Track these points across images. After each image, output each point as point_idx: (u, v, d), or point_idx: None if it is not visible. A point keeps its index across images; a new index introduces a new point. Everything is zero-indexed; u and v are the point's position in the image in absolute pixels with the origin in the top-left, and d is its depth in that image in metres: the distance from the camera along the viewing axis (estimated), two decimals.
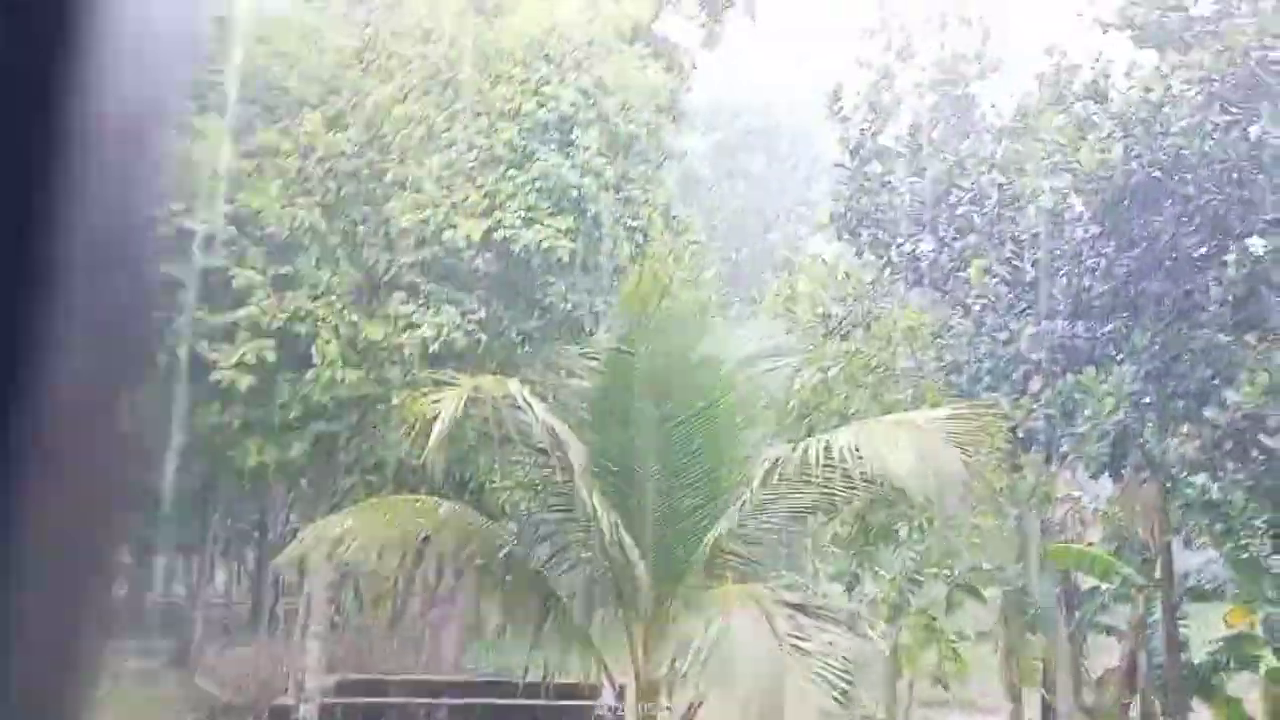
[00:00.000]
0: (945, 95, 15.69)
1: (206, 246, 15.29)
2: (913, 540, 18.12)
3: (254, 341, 15.21)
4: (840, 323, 16.06)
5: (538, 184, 15.86)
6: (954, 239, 14.07)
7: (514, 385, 9.77)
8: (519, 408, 9.81)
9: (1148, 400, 12.39)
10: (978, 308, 14.08)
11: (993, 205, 13.68)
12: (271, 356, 15.09)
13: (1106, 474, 13.75)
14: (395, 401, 14.86)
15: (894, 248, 14.68)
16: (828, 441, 9.92)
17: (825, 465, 10.02)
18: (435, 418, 9.55)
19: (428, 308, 15.97)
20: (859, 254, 14.88)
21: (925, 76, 27.98)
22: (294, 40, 16.69)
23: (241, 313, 15.24)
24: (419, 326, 15.75)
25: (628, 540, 10.31)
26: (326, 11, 17.69)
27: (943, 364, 14.69)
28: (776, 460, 10.22)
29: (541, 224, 15.72)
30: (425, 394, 10.53)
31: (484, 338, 15.97)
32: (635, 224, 17.42)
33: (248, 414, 15.50)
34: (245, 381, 14.95)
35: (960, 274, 14.10)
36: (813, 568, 20.83)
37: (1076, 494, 19.81)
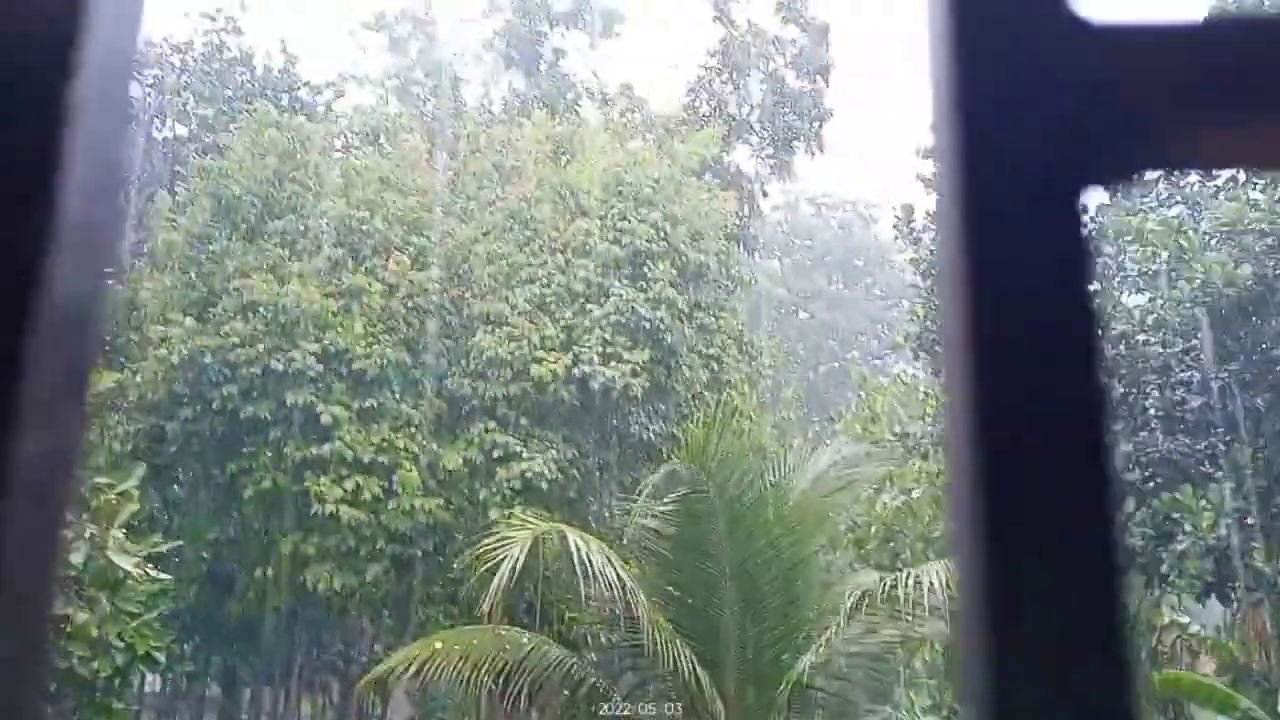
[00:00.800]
0: None
1: (295, 384, 15.82)
2: None
3: (338, 473, 15.52)
4: (920, 442, 15.73)
5: (613, 319, 16.16)
6: None
7: (573, 535, 9.86)
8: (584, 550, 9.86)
9: (1251, 520, 11.78)
10: None
11: None
12: (354, 487, 15.36)
13: (1214, 597, 12.99)
14: (474, 534, 14.93)
15: None
16: (918, 575, 9.63)
17: (915, 601, 9.72)
18: (503, 560, 9.62)
19: (512, 439, 16.18)
20: (936, 372, 14.67)
21: None
22: (377, 187, 17.50)
23: (326, 446, 15.60)
24: (503, 459, 15.94)
25: (705, 678, 10.03)
26: (409, 158, 18.59)
27: None
28: (864, 594, 9.92)
29: (620, 360, 15.95)
30: (498, 534, 10.63)
31: (566, 468, 16.07)
32: (710, 351, 17.52)
33: (324, 541, 15.71)
34: (329, 510, 15.21)
35: None
36: (906, 700, 19.88)
37: (1184, 620, 18.72)
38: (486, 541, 10.47)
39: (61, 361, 0.62)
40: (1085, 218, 0.60)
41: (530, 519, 11.35)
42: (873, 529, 16.22)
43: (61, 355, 0.61)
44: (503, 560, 9.63)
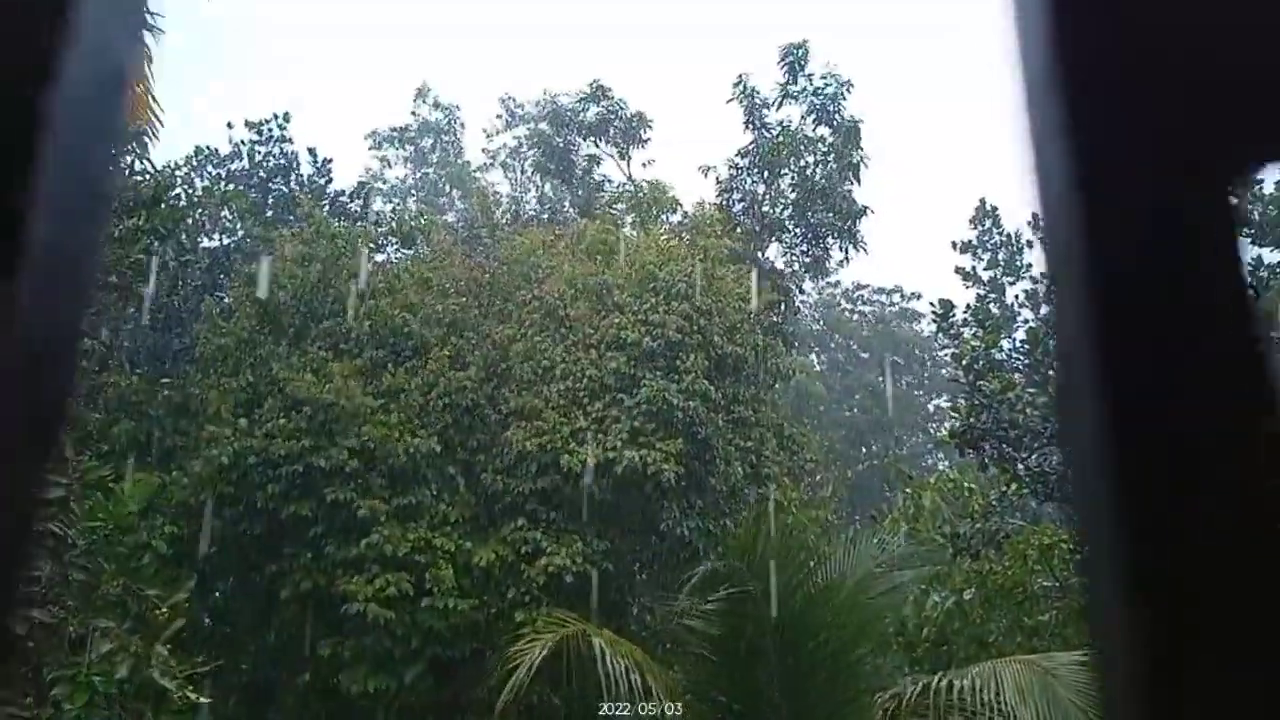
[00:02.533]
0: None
1: (334, 481, 15.87)
2: None
3: (374, 571, 15.43)
4: (969, 541, 15.37)
5: (644, 408, 16.15)
6: None
7: (597, 641, 9.69)
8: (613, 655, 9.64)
9: None
10: None
11: None
12: (390, 587, 15.24)
13: None
14: (504, 636, 14.70)
15: (1019, 462, 14.19)
16: (950, 680, 9.33)
17: (960, 709, 9.38)
18: (525, 661, 9.45)
19: (545, 535, 16.05)
20: (982, 468, 14.41)
21: (1037, 287, 28.00)
22: (417, 289, 17.82)
23: (364, 543, 15.55)
24: (537, 556, 15.79)
25: None
26: (447, 260, 18.96)
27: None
28: (899, 699, 9.60)
29: (652, 448, 15.86)
30: (526, 634, 10.45)
31: (598, 562, 15.85)
32: (747, 444, 17.38)
33: (360, 643, 15.53)
34: (365, 611, 15.06)
35: None
36: None
37: None
38: (515, 647, 10.27)
39: (23, 400, 0.56)
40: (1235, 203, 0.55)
41: (559, 619, 11.13)
42: (924, 632, 15.76)
43: (23, 394, 0.56)
44: (526, 663, 9.43)
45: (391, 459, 16.03)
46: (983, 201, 31.35)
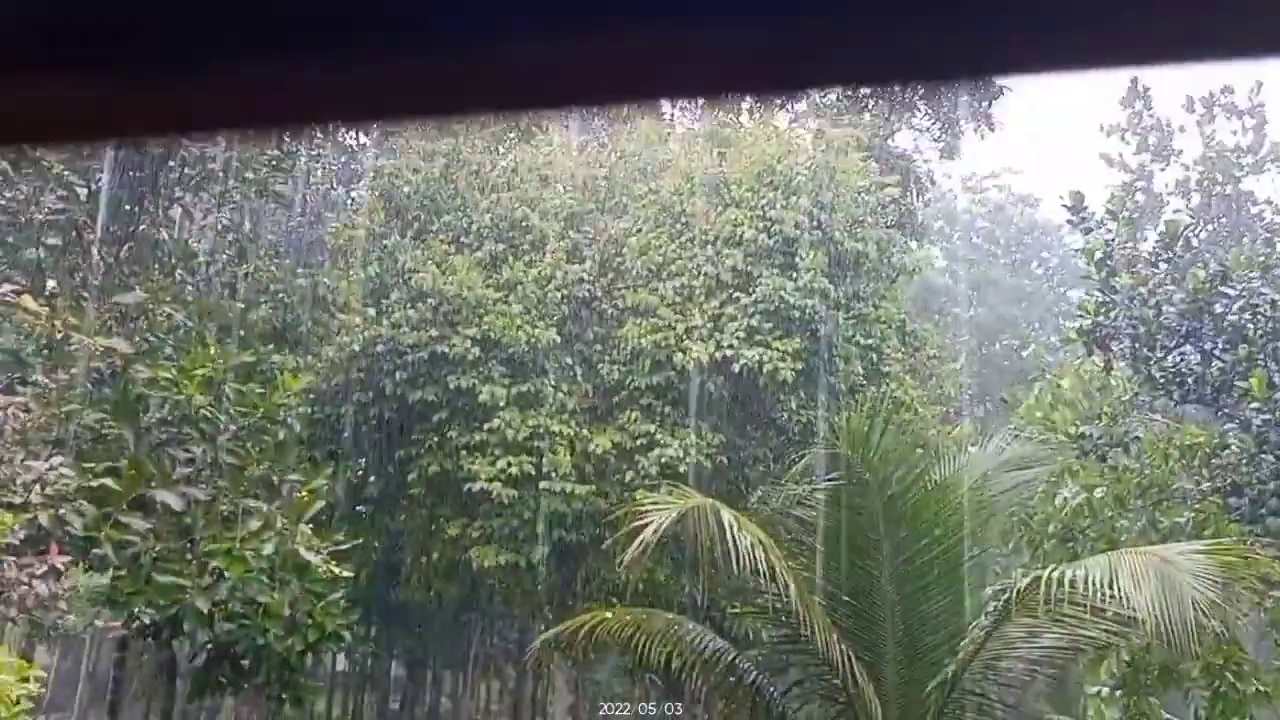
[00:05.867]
0: (1212, 194, 14.55)
1: (457, 368, 16.44)
2: (1200, 684, 16.11)
3: (495, 455, 16.03)
4: (1096, 443, 14.92)
5: (760, 306, 16.04)
6: (1223, 350, 12.86)
7: (726, 514, 9.64)
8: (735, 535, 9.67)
9: None
10: (1259, 423, 12.71)
11: (1269, 311, 12.44)
12: (511, 467, 15.84)
13: None
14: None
15: (1154, 361, 13.59)
16: (1063, 573, 9.14)
17: (1071, 601, 9.25)
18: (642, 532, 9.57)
19: (660, 427, 16.33)
20: (1105, 369, 13.87)
21: (1189, 175, 26.30)
22: (537, 184, 17.95)
23: (486, 428, 16.13)
24: (651, 447, 16.11)
25: (863, 677, 9.83)
26: (566, 155, 18.97)
27: (1219, 486, 13.29)
28: (1010, 594, 9.50)
29: (769, 346, 15.81)
30: (640, 509, 10.58)
31: (713, 455, 16.07)
32: (868, 342, 17.14)
33: (486, 524, 16.26)
34: (496, 491, 15.72)
35: (1236, 386, 12.82)
36: (1093, 712, 18.90)
37: None
38: (635, 512, 10.37)
39: None
40: None
41: (682, 493, 11.28)
42: (1049, 527, 15.53)
43: None
44: (657, 526, 9.54)
45: (512, 348, 16.45)
46: (1134, 81, 29.30)
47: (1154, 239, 14.69)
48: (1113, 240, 13.38)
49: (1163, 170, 28.71)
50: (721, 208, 17.28)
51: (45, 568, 7.83)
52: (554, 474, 16.10)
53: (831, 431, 12.27)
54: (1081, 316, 13.70)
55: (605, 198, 18.01)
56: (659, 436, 16.30)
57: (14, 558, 7.68)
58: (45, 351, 11.37)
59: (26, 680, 6.07)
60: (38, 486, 8.26)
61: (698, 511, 10.06)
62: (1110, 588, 8.93)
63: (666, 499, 10.88)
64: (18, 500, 7.70)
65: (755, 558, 9.58)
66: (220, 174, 14.08)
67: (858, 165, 18.02)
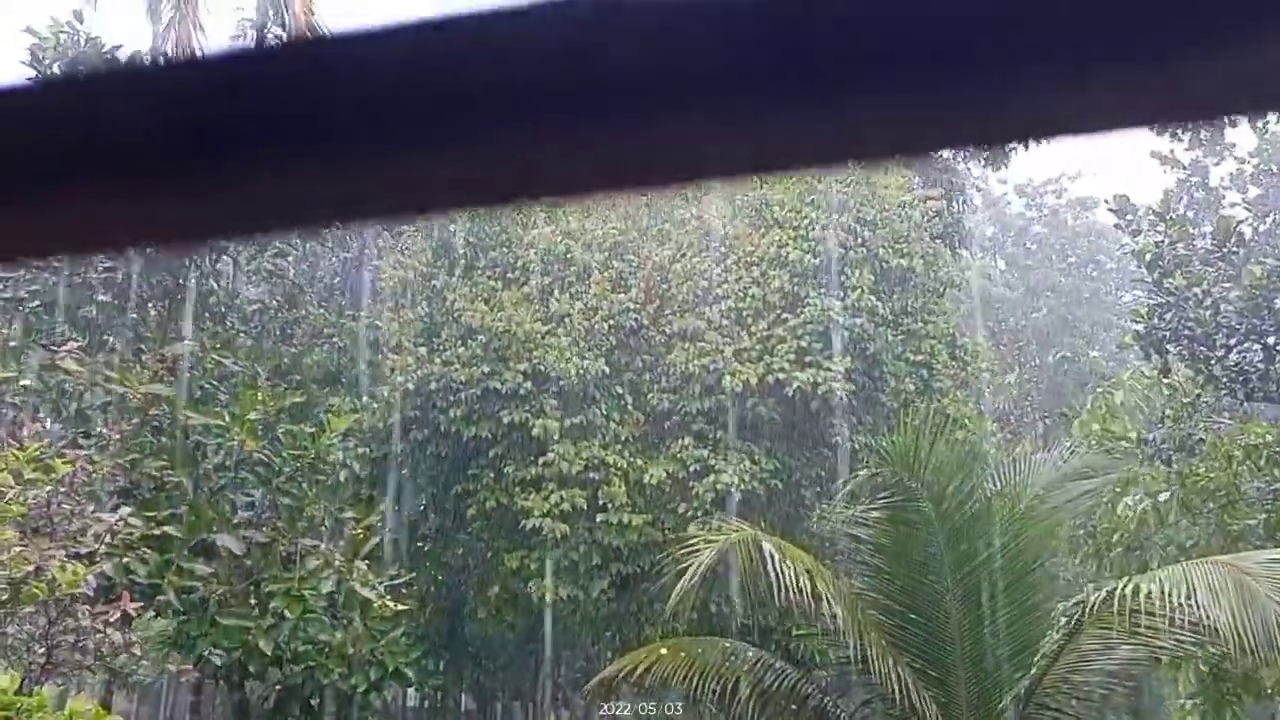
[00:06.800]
0: (1269, 187, 14.23)
1: (510, 403, 16.57)
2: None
3: (550, 489, 16.10)
4: (1159, 447, 14.56)
5: (809, 327, 15.97)
6: None
7: (768, 545, 9.69)
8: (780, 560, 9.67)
9: None
10: None
11: None
12: (564, 502, 15.88)
13: None
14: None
15: (1215, 361, 13.26)
16: (1137, 586, 8.93)
17: (1147, 612, 9.03)
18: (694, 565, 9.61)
19: (713, 453, 16.28)
20: (1164, 372, 13.55)
21: (1244, 168, 25.67)
22: (578, 216, 18.13)
23: (541, 461, 16.21)
24: (705, 474, 16.06)
25: (926, 696, 9.67)
26: None
27: None
28: (1084, 607, 9.30)
29: (819, 367, 15.72)
30: (686, 546, 10.64)
31: (766, 480, 15.98)
32: (918, 358, 16.97)
33: (545, 556, 16.30)
34: (550, 526, 15.76)
35: None
36: None
37: None
38: (681, 551, 10.46)
39: None
40: None
41: (730, 526, 11.27)
42: (1115, 536, 15.18)
43: None
44: (697, 567, 9.61)
45: (562, 380, 16.55)
46: None
47: (1209, 236, 14.36)
48: (1162, 241, 13.12)
49: (1216, 165, 28.09)
50: (764, 229, 17.29)
51: (118, 615, 8.00)
52: (609, 505, 16.11)
53: (879, 450, 12.18)
54: (1137, 321, 13.43)
55: (647, 225, 18.11)
56: (713, 462, 16.25)
57: (88, 606, 7.87)
58: (107, 404, 11.70)
59: None
60: (107, 536, 8.48)
61: (740, 546, 10.13)
62: (1188, 600, 8.73)
63: (709, 536, 10.91)
64: (84, 550, 7.90)
65: (800, 585, 9.57)
66: None
67: (899, 180, 17.92)
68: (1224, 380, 13.56)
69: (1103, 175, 55.84)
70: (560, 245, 17.73)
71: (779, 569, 9.60)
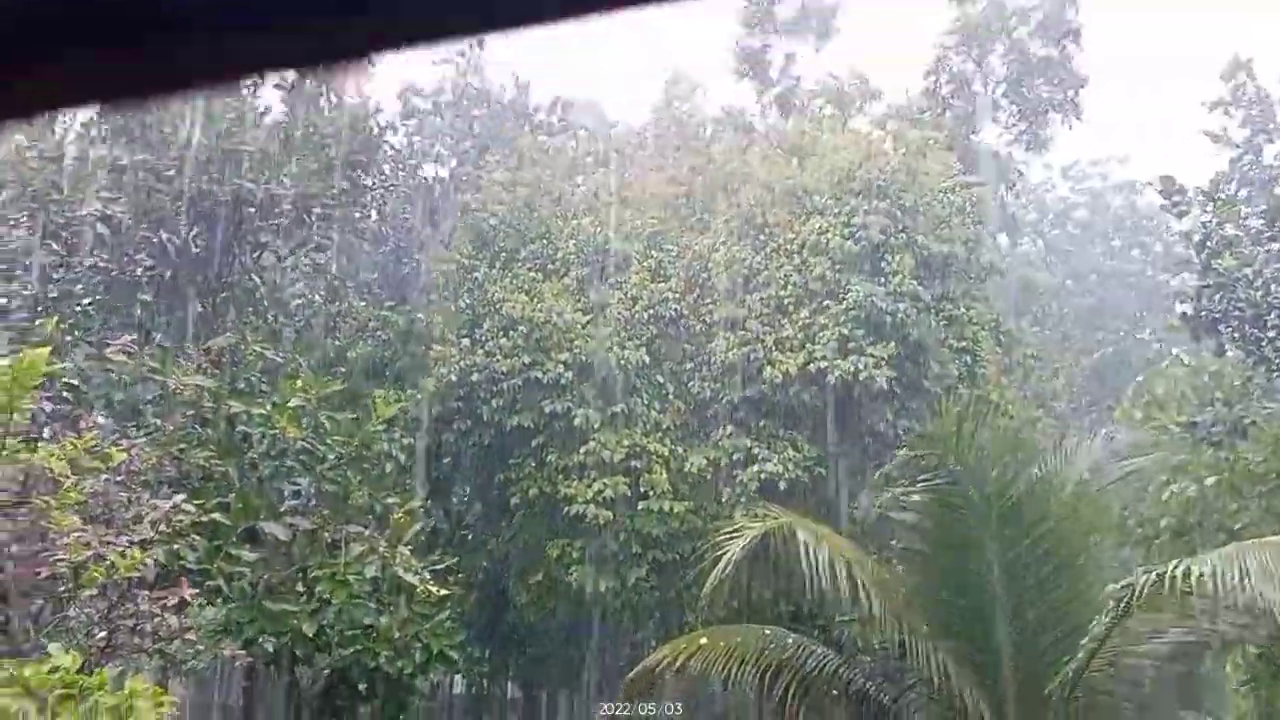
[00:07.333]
0: None
1: (551, 394, 16.67)
2: None
3: (592, 477, 16.16)
4: (1210, 430, 14.31)
5: (851, 314, 15.87)
6: None
7: (802, 533, 9.67)
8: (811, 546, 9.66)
9: None
10: None
11: None
12: (606, 489, 15.94)
13: None
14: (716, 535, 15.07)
15: (1266, 343, 13.00)
16: (1187, 568, 8.80)
17: (1200, 595, 8.90)
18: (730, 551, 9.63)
19: (756, 441, 16.26)
20: (1219, 353, 13.31)
21: None
22: (617, 206, 18.18)
23: (583, 451, 16.28)
24: (749, 462, 16.05)
25: (968, 679, 9.62)
26: (644, 175, 19.15)
27: None
28: (1133, 590, 9.18)
29: (862, 353, 15.64)
30: (725, 532, 10.65)
31: (810, 467, 15.94)
32: (961, 344, 16.81)
33: (587, 544, 16.37)
34: (592, 514, 15.83)
35: None
36: (1235, 706, 18.02)
37: None
38: (720, 537, 10.47)
39: None
40: None
41: (768, 513, 11.25)
42: (1162, 522, 14.95)
43: None
44: (734, 553, 9.62)
45: (603, 370, 16.62)
46: (1236, 54, 28.10)
47: (1262, 215, 14.05)
48: (1210, 222, 12.87)
49: (1269, 143, 27.46)
50: (804, 217, 17.21)
51: (175, 600, 8.17)
52: (650, 493, 16.15)
53: (923, 436, 12.10)
54: (1184, 302, 13.20)
55: (686, 215, 18.10)
56: (755, 451, 16.23)
57: (146, 592, 8.04)
58: (159, 397, 11.95)
59: (161, 705, 6.36)
60: (162, 523, 8.66)
61: (778, 532, 10.11)
62: (1241, 582, 8.59)
63: (747, 524, 10.91)
64: (139, 538, 8.08)
65: (837, 571, 9.55)
66: (299, 214, 14.63)
67: (939, 166, 17.75)
68: (1276, 362, 13.29)
69: (1154, 157, 54.70)
70: (599, 236, 17.79)
71: (814, 555, 9.60)
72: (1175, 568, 8.89)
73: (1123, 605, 9.39)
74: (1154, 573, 9.23)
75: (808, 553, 9.54)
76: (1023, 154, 26.82)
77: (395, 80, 24.82)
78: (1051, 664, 10.26)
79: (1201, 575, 8.79)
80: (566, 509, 16.13)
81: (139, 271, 13.92)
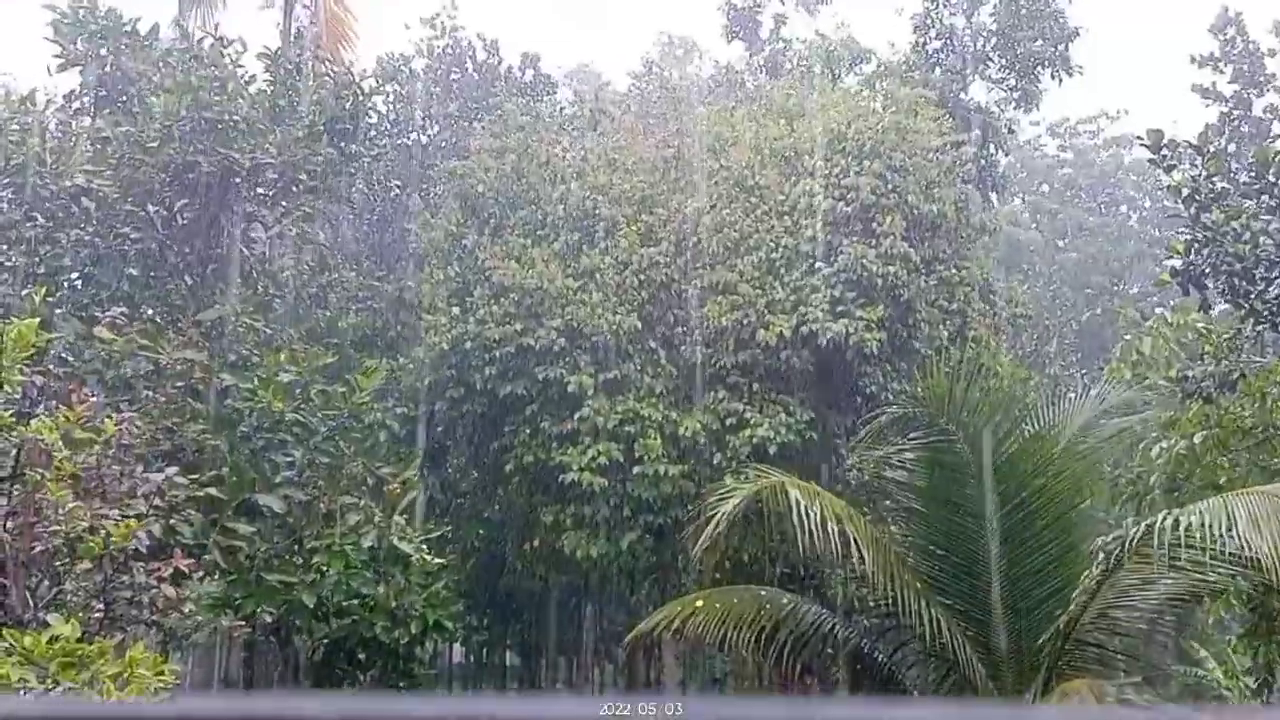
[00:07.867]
0: None
1: (544, 360, 16.67)
2: None
3: (586, 443, 16.19)
4: (1200, 384, 14.36)
5: (843, 276, 15.85)
6: None
7: (794, 492, 9.70)
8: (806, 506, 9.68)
9: None
10: None
11: None
12: (601, 455, 15.98)
13: None
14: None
15: (1254, 295, 13.01)
16: (1177, 519, 8.88)
17: (1188, 546, 8.99)
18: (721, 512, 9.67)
19: (749, 406, 16.29)
20: (1204, 309, 13.32)
21: None
22: (606, 170, 18.06)
23: (576, 418, 16.30)
24: (741, 427, 16.08)
25: (962, 635, 9.73)
26: (633, 139, 19.01)
27: None
28: (1121, 541, 9.28)
29: (853, 316, 15.64)
30: (717, 492, 10.67)
31: (803, 431, 15.98)
32: (952, 306, 16.82)
33: (580, 511, 16.44)
34: (588, 480, 15.88)
35: None
36: (1230, 656, 18.28)
37: None
38: (713, 498, 10.50)
39: None
40: None
41: (760, 471, 11.28)
42: (1153, 478, 15.07)
43: None
44: (724, 513, 9.66)
45: (595, 336, 16.60)
46: (1225, 8, 28.01)
47: (1249, 168, 13.99)
48: (1199, 175, 12.84)
49: (1259, 97, 27.43)
50: (794, 179, 17.14)
51: (171, 570, 8.21)
52: (645, 458, 16.20)
53: (911, 395, 12.15)
54: (1173, 256, 13.20)
55: (675, 178, 18.00)
56: (748, 415, 16.27)
57: (142, 563, 8.08)
58: (151, 371, 11.93)
59: (162, 674, 6.40)
60: (156, 497, 8.68)
61: (770, 492, 10.13)
62: (1229, 531, 8.67)
63: (739, 484, 10.93)
64: (133, 512, 8.10)
65: (829, 530, 9.59)
66: (284, 184, 14.52)
67: (929, 125, 17.67)
68: (1264, 314, 13.31)
69: (1141, 115, 54.58)
70: (588, 200, 17.69)
71: (807, 513, 9.63)
72: (1164, 519, 8.97)
73: (1113, 558, 9.49)
74: (1143, 524, 9.31)
75: (799, 510, 9.57)
76: (1012, 111, 26.69)
77: (376, 46, 24.53)
78: (1044, 618, 10.39)
79: (1189, 526, 8.87)
80: (561, 476, 16.17)
81: (126, 245, 13.84)
